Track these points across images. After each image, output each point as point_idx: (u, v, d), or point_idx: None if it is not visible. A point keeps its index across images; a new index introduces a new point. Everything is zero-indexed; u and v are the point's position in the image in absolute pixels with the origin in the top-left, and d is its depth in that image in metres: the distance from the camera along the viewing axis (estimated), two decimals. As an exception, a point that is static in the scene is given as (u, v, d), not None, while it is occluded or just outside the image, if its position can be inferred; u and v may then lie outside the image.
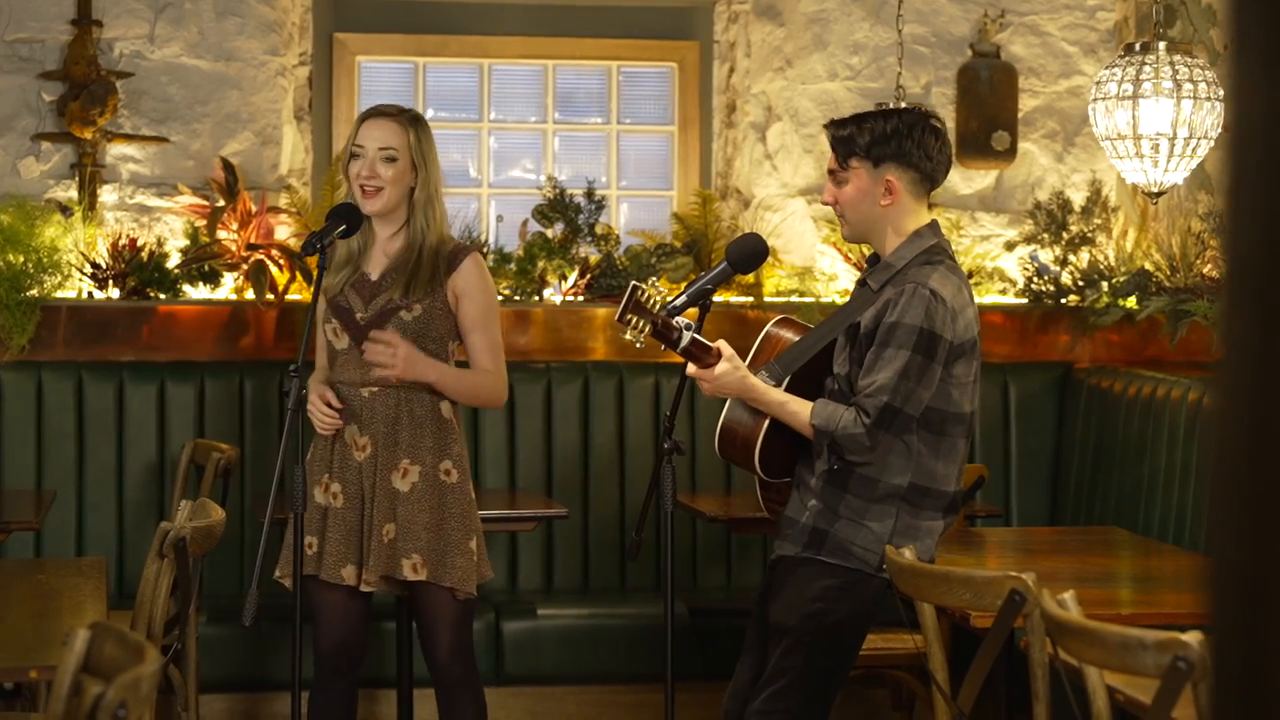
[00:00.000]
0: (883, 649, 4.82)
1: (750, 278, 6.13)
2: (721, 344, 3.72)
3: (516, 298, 6.11)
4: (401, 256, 4.23)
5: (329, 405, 4.15)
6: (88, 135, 5.96)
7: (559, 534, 5.96)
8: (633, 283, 3.60)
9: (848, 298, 4.10)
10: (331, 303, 4.24)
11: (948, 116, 6.33)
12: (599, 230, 6.26)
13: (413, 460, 4.18)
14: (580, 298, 6.14)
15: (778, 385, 3.76)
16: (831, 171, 3.84)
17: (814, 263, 6.30)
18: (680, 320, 3.66)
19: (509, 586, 5.93)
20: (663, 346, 3.65)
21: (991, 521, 5.75)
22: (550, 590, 5.94)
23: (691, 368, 3.72)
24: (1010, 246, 6.39)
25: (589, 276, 6.16)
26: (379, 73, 6.56)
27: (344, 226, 4.16)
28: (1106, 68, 4.97)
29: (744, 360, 3.78)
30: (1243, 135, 0.95)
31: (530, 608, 5.67)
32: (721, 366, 3.68)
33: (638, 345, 3.62)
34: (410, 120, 4.24)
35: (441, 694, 4.25)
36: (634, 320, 3.57)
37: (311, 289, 4.80)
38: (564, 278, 6.13)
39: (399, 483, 4.17)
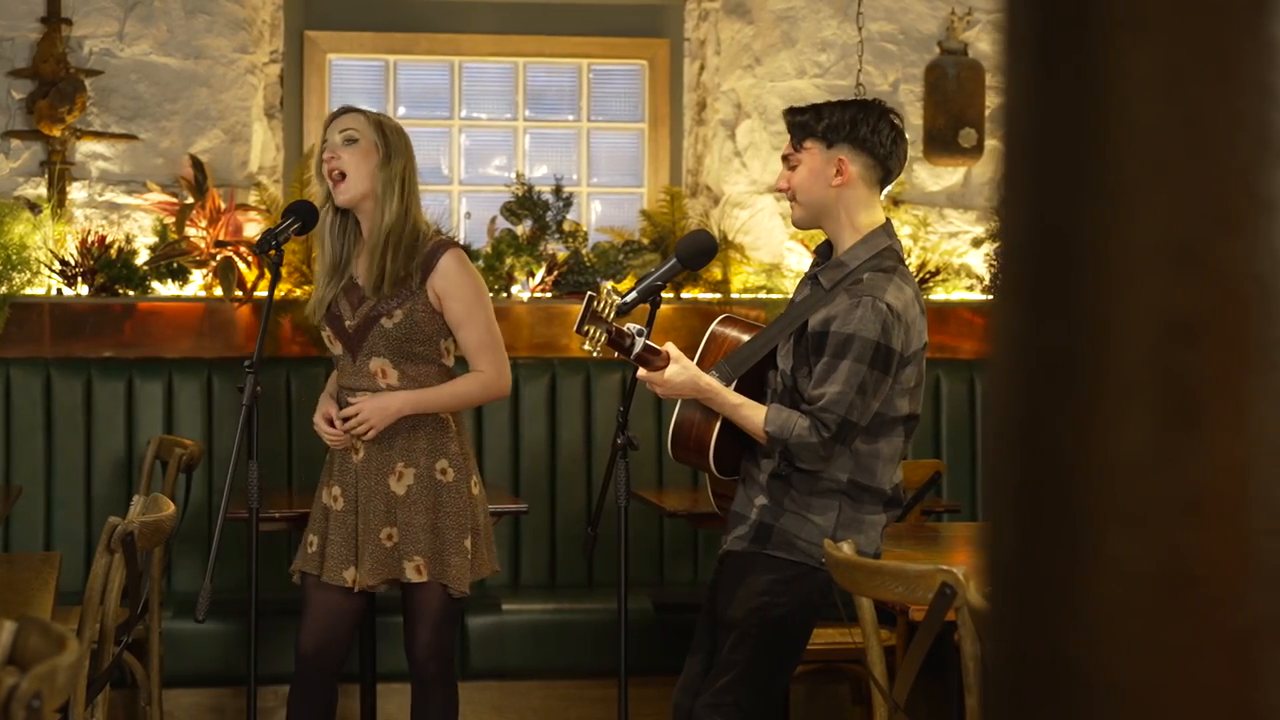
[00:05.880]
0: (840, 644, 4.83)
1: (718, 274, 6.15)
2: (669, 346, 3.73)
3: (485, 294, 6.13)
4: (373, 254, 4.18)
5: (330, 423, 4.18)
6: (57, 133, 5.98)
7: (525, 529, 5.97)
8: (588, 294, 3.62)
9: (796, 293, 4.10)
10: (327, 311, 4.23)
11: (915, 114, 6.35)
12: (567, 227, 6.27)
13: (407, 463, 4.18)
14: (548, 294, 6.15)
15: (727, 386, 3.77)
16: (785, 157, 3.83)
17: (782, 259, 6.31)
18: (632, 327, 3.68)
19: (475, 581, 5.93)
20: (616, 354, 3.67)
21: (955, 517, 5.76)
22: (516, 585, 5.95)
23: (643, 372, 3.74)
24: (977, 243, 6.40)
25: (556, 273, 6.17)
26: (350, 70, 6.57)
27: (299, 224, 4.17)
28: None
29: (692, 359, 3.79)
30: (1013, 129, 0.96)
31: (495, 603, 5.68)
32: (672, 369, 3.68)
33: (595, 354, 3.64)
34: (373, 113, 4.22)
35: (416, 687, 4.26)
36: (590, 330, 3.59)
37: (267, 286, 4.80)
38: (531, 274, 6.14)
39: (395, 486, 4.18)
